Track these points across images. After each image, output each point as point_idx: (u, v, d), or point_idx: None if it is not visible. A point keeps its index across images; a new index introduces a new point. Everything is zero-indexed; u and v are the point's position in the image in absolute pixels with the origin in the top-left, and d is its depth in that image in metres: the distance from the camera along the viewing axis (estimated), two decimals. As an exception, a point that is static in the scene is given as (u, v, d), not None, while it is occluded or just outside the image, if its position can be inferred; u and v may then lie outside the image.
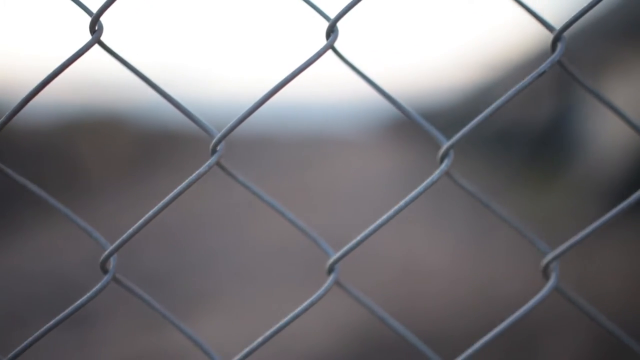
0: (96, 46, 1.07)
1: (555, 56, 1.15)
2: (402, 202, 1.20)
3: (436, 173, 1.19)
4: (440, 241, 6.48)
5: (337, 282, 1.26)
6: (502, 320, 1.26)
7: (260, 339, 1.22)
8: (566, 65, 1.18)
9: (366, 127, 20.53)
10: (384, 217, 1.20)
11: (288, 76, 1.14)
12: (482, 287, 5.31)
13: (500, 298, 4.91)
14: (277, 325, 1.22)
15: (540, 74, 1.14)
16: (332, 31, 1.16)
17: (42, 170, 9.14)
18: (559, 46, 1.16)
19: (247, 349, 1.22)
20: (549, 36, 1.20)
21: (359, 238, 1.23)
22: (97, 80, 12.04)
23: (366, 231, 1.22)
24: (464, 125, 1.20)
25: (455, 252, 6.24)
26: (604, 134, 8.31)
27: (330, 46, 1.15)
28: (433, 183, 1.19)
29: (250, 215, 7.66)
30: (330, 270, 1.26)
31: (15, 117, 1.07)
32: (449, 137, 1.23)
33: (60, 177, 9.34)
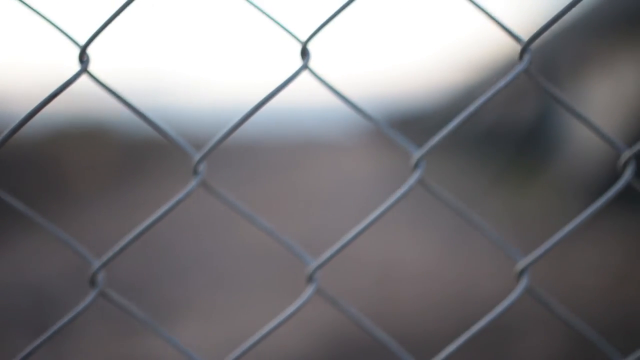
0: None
1: (521, 66, 1.17)
2: (377, 212, 1.20)
3: (408, 184, 1.19)
4: (420, 244, 6.49)
5: (318, 290, 1.25)
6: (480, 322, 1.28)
7: (239, 350, 1.22)
8: (534, 75, 1.19)
9: (351, 130, 20.53)
10: (362, 225, 1.20)
11: (263, 99, 1.15)
12: (462, 289, 5.32)
13: (480, 300, 4.93)
14: (257, 337, 1.22)
15: (506, 84, 1.16)
16: (305, 54, 1.16)
17: (29, 181, 9.11)
18: (526, 57, 1.18)
19: None
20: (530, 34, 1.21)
21: (338, 246, 1.23)
22: (82, 91, 12.00)
23: (345, 239, 1.22)
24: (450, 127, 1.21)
25: (435, 255, 6.25)
26: (584, 133, 8.34)
27: (305, 66, 1.15)
28: (406, 193, 1.19)
29: (228, 222, 7.64)
30: (311, 278, 1.24)
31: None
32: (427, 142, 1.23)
33: (47, 188, 9.31)
